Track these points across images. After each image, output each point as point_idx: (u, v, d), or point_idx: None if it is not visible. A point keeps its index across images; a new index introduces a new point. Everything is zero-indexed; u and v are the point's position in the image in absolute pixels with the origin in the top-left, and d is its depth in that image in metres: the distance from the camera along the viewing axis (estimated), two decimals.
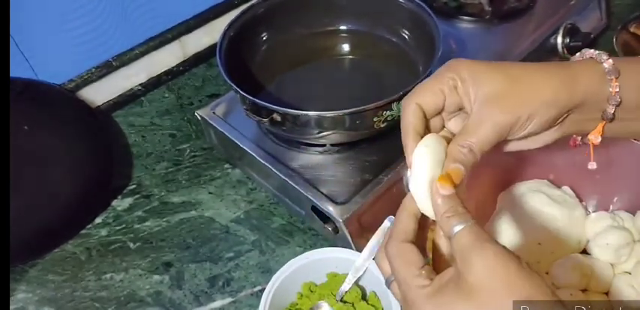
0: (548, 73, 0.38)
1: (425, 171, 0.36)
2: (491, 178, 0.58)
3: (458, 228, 0.33)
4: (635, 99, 0.38)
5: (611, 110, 0.38)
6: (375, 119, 0.54)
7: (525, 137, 0.38)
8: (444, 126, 0.41)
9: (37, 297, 0.60)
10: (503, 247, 0.32)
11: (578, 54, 0.41)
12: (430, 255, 0.39)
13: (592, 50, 0.40)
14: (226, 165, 0.71)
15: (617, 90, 0.37)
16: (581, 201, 0.58)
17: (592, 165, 0.44)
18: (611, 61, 0.38)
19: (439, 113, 0.39)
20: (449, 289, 0.33)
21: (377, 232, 0.53)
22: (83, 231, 0.66)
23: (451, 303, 0.32)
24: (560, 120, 0.38)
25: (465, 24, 0.74)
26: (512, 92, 0.37)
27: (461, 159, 0.36)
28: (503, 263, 0.31)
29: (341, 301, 0.53)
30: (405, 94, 0.52)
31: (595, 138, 0.41)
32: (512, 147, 0.41)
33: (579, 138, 0.43)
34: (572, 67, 0.39)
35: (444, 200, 0.35)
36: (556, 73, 0.38)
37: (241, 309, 0.58)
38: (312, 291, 0.54)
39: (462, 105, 0.38)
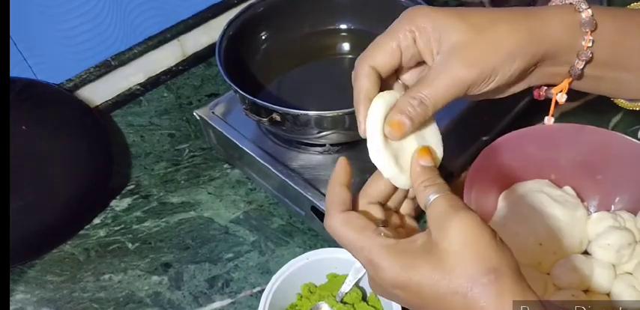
0: (515, 22, 0.35)
1: (379, 133, 0.34)
2: (492, 178, 0.58)
3: (434, 197, 0.33)
4: (607, 56, 0.36)
5: (579, 66, 0.36)
6: None
7: (489, 91, 0.36)
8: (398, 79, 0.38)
9: (36, 298, 0.60)
10: (480, 218, 0.31)
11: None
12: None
13: None
14: (225, 166, 0.70)
15: (590, 45, 0.35)
16: (582, 201, 0.58)
17: (549, 121, 0.42)
18: (590, 11, 0.35)
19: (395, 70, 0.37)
20: (418, 251, 0.32)
21: None
22: (82, 232, 0.65)
23: (418, 266, 0.31)
24: (528, 72, 0.36)
25: None
26: (475, 43, 0.34)
27: (407, 111, 0.34)
28: (478, 233, 0.31)
29: (341, 302, 0.53)
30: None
31: (561, 96, 0.39)
32: (476, 96, 0.37)
33: (544, 89, 0.40)
34: (544, 14, 0.35)
35: (422, 170, 0.34)
36: (524, 23, 0.35)
37: None
38: (311, 292, 0.54)
39: (422, 59, 0.36)
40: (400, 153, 0.36)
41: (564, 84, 0.38)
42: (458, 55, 0.34)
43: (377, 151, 0.35)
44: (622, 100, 0.41)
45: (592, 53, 0.35)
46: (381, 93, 0.36)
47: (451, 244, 0.31)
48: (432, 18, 0.34)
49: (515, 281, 0.30)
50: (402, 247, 0.32)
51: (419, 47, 0.35)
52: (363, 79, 0.36)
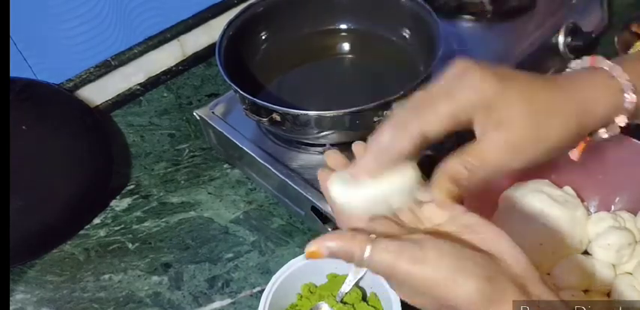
0: (568, 115, 0.36)
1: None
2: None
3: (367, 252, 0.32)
4: None
5: (623, 122, 0.38)
6: (375, 119, 0.54)
7: None
8: None
9: (36, 298, 0.60)
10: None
11: (579, 61, 0.40)
12: None
13: (600, 59, 0.38)
14: (225, 165, 0.70)
15: (633, 105, 0.37)
16: (582, 201, 0.58)
17: (573, 155, 0.43)
18: (626, 75, 0.37)
19: None
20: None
21: None
22: (82, 232, 0.65)
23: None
24: None
25: (466, 23, 0.74)
26: (529, 137, 0.35)
27: (460, 180, 0.35)
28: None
29: (341, 302, 0.53)
30: (405, 94, 0.52)
31: (573, 155, 0.41)
32: None
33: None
34: (587, 93, 0.37)
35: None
36: (574, 115, 0.36)
37: None
38: (311, 292, 0.54)
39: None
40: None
41: (580, 147, 0.41)
42: (512, 146, 0.35)
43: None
44: None
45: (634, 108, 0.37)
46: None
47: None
48: (498, 95, 0.34)
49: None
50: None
51: (475, 122, 0.35)
52: (406, 142, 0.34)
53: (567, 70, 0.42)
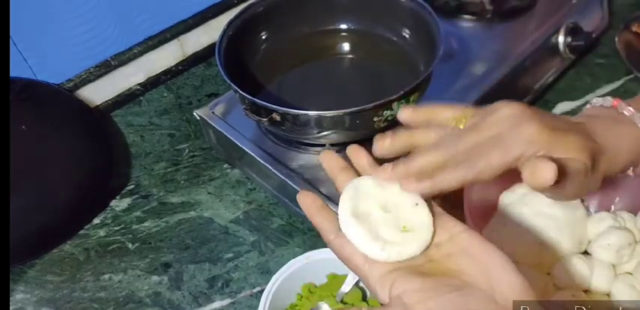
0: (600, 163, 0.38)
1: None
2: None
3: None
4: None
5: None
6: (375, 119, 0.54)
7: None
8: None
9: (36, 298, 0.60)
10: None
11: (601, 100, 0.42)
12: None
13: (622, 105, 0.40)
14: (225, 165, 0.70)
15: None
16: (582, 201, 0.58)
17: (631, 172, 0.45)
18: None
19: None
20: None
21: None
22: (81, 232, 0.65)
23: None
24: None
25: (466, 23, 0.74)
26: (587, 176, 0.38)
27: None
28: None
29: (341, 302, 0.53)
30: (405, 94, 0.52)
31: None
32: None
33: None
34: (612, 142, 0.39)
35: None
36: (605, 162, 0.39)
37: None
38: (311, 292, 0.54)
39: None
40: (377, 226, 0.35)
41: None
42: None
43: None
44: None
45: None
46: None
47: None
48: (550, 145, 0.35)
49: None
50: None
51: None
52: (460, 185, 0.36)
53: (588, 105, 0.43)
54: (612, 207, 0.58)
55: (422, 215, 0.35)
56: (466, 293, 0.31)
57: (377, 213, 0.36)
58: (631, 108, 0.40)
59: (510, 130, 0.35)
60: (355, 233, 0.34)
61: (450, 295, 0.31)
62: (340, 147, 0.60)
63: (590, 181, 0.38)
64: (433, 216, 0.36)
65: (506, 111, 0.36)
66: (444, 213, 0.37)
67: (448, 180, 0.35)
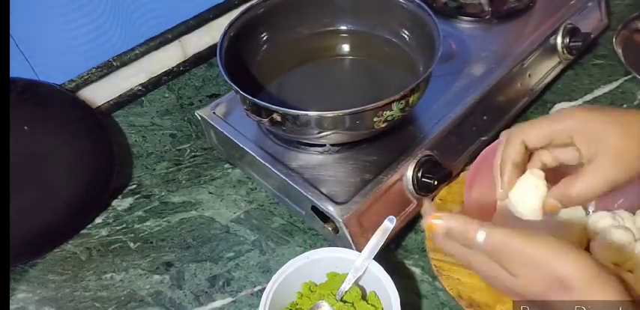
0: None
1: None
2: (491, 179, 0.58)
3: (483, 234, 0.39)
4: None
5: None
6: (375, 119, 0.54)
7: None
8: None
9: (38, 297, 0.60)
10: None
11: None
12: None
13: None
14: (226, 165, 0.71)
15: None
16: None
17: None
18: None
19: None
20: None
21: (377, 232, 0.53)
22: (83, 231, 0.66)
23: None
24: None
25: (465, 24, 0.74)
26: (626, 150, 0.40)
27: (561, 200, 0.42)
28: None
29: (341, 301, 0.53)
30: (405, 95, 0.53)
31: None
32: None
33: None
34: None
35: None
36: None
37: (241, 309, 0.59)
38: (312, 291, 0.55)
39: (566, 145, 0.43)
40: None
41: None
42: (613, 159, 0.40)
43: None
44: None
45: None
46: (532, 170, 0.45)
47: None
48: (588, 120, 0.41)
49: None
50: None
51: (576, 143, 0.42)
52: (512, 148, 0.44)
53: None
54: (611, 206, 0.58)
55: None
56: None
57: None
58: None
59: (560, 113, 0.44)
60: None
61: None
62: (340, 147, 0.61)
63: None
64: None
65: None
66: None
67: (508, 149, 0.45)
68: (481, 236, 0.37)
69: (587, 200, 0.43)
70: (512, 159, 0.43)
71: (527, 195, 0.44)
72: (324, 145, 0.60)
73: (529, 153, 0.46)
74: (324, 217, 0.57)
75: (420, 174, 0.58)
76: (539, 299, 0.36)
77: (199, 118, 0.67)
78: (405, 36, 0.66)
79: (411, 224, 0.62)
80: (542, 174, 0.45)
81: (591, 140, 0.41)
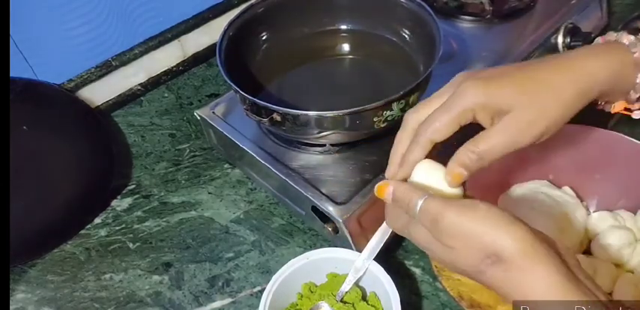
0: (561, 88, 0.39)
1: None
2: (490, 180, 0.58)
3: (421, 201, 0.37)
4: None
5: (635, 96, 0.40)
6: (375, 119, 0.54)
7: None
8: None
9: (37, 297, 0.60)
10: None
11: (606, 35, 0.43)
12: None
13: (623, 34, 0.41)
14: (226, 165, 0.71)
15: None
16: (581, 201, 0.58)
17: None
18: None
19: None
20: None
21: (377, 232, 0.53)
22: (82, 231, 0.66)
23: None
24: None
25: (466, 24, 0.74)
26: (527, 112, 0.38)
27: (467, 164, 0.39)
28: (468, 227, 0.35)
29: (341, 301, 0.53)
30: (405, 94, 0.52)
31: (619, 107, 0.44)
32: None
33: (602, 104, 0.45)
34: (590, 62, 0.40)
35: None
36: (569, 86, 0.39)
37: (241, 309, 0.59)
38: (312, 292, 0.54)
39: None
40: None
41: (621, 105, 0.43)
42: (516, 127, 0.39)
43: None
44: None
45: None
46: (424, 161, 0.41)
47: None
48: (487, 95, 0.39)
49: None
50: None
51: (478, 119, 0.40)
52: (419, 150, 0.41)
53: (602, 37, 0.46)
54: (611, 206, 0.58)
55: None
56: None
57: None
58: (632, 37, 0.41)
59: (452, 92, 0.40)
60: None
61: None
62: (340, 147, 0.61)
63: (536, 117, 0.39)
64: None
65: (453, 79, 0.42)
66: None
67: (415, 149, 0.41)
68: (418, 204, 0.36)
69: (492, 161, 0.39)
70: (415, 161, 0.41)
71: (430, 174, 0.41)
72: (324, 145, 0.60)
73: None
74: (324, 217, 0.57)
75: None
76: (474, 272, 0.34)
77: (199, 118, 0.66)
78: (406, 35, 0.66)
79: None
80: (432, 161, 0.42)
81: (494, 113, 0.39)
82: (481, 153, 0.39)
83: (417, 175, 0.41)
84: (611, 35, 0.43)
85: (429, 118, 0.40)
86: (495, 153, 0.39)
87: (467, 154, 0.39)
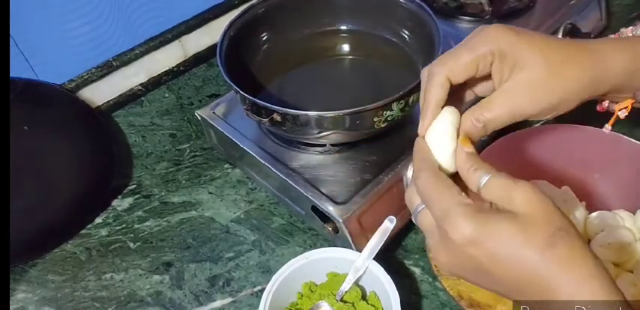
0: (584, 66, 0.38)
1: (448, 134, 0.39)
2: None
3: (486, 177, 0.35)
4: None
5: None
6: (375, 119, 0.54)
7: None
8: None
9: (37, 297, 0.60)
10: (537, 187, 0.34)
11: (632, 27, 0.43)
12: None
13: (638, 27, 0.41)
14: (226, 165, 0.71)
15: None
16: (580, 201, 0.58)
17: (606, 129, 0.47)
18: None
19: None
20: (492, 212, 0.34)
21: (377, 232, 0.53)
22: (83, 231, 0.66)
23: (495, 223, 0.32)
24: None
25: (465, 24, 0.74)
26: (544, 82, 0.37)
27: (472, 132, 0.38)
28: (542, 198, 0.33)
29: (341, 301, 0.53)
30: (405, 94, 0.53)
31: (622, 113, 0.42)
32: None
33: (606, 103, 0.44)
34: (606, 53, 0.39)
35: (467, 156, 0.36)
36: (591, 67, 0.38)
37: (241, 309, 0.58)
38: (312, 291, 0.55)
39: (490, 76, 0.39)
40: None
41: (628, 103, 0.42)
42: (525, 89, 0.37)
43: (445, 153, 0.39)
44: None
45: None
46: (445, 108, 0.39)
47: (520, 207, 0.33)
48: (513, 44, 0.37)
49: (581, 242, 0.32)
50: (478, 207, 0.34)
51: (493, 69, 0.38)
52: (437, 88, 0.38)
53: (617, 34, 0.45)
54: (611, 206, 0.58)
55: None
56: None
57: None
58: None
59: (476, 36, 0.38)
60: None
61: None
62: (340, 147, 0.61)
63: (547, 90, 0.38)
64: None
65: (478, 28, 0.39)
66: None
67: (432, 85, 0.39)
68: (409, 175, 0.36)
69: (495, 129, 0.39)
70: (437, 100, 0.38)
71: (442, 134, 0.39)
72: (324, 145, 0.60)
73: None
74: (324, 217, 0.57)
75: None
76: (544, 245, 0.33)
77: (199, 118, 0.66)
78: (405, 36, 0.66)
79: (411, 224, 0.62)
80: (456, 111, 0.40)
81: (509, 67, 0.37)
82: (487, 121, 0.38)
83: (439, 124, 0.39)
84: (623, 32, 0.43)
85: (447, 55, 0.38)
86: (499, 122, 0.38)
87: (472, 122, 0.38)
